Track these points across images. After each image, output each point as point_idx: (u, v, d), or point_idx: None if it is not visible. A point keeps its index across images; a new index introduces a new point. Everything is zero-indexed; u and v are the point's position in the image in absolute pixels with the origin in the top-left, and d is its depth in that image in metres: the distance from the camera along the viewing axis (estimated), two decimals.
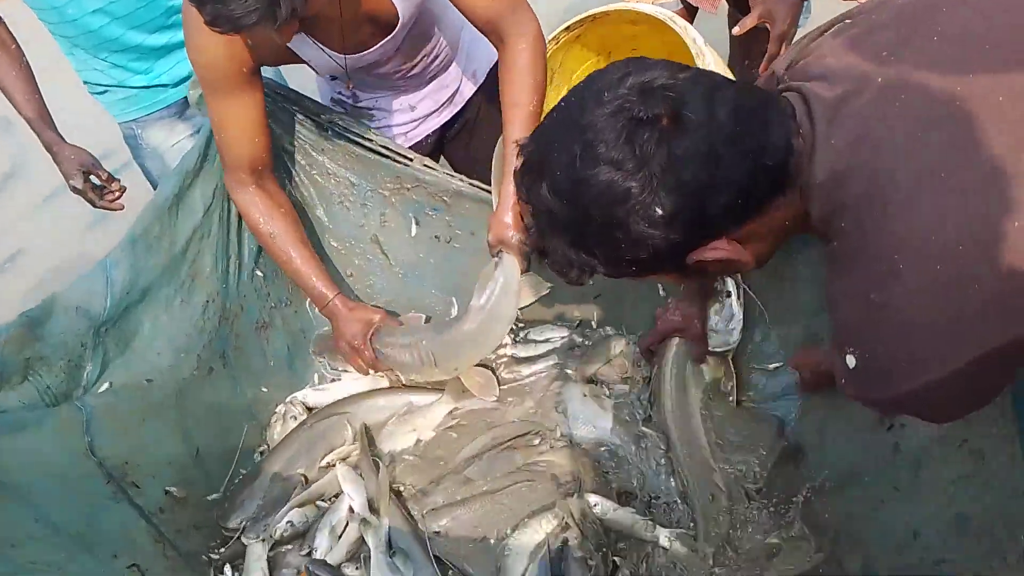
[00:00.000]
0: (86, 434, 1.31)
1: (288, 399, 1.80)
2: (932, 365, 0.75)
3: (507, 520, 1.45)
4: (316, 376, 1.86)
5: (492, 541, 1.43)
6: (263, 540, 1.46)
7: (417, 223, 1.78)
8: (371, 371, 1.70)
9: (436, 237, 1.79)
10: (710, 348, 1.55)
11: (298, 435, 1.67)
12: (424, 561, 1.39)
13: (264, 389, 1.78)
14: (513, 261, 1.51)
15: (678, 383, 1.55)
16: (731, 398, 1.56)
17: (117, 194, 2.02)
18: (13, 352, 1.23)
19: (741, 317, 1.54)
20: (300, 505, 1.52)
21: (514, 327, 1.76)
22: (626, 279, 0.96)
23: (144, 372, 1.47)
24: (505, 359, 1.79)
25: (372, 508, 1.49)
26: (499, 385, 1.71)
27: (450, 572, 1.40)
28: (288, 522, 1.48)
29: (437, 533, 1.46)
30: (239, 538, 1.48)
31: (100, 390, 1.38)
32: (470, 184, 1.67)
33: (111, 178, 2.00)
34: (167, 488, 1.43)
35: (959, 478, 1.09)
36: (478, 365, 1.71)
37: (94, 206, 2.03)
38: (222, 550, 1.48)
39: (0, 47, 1.86)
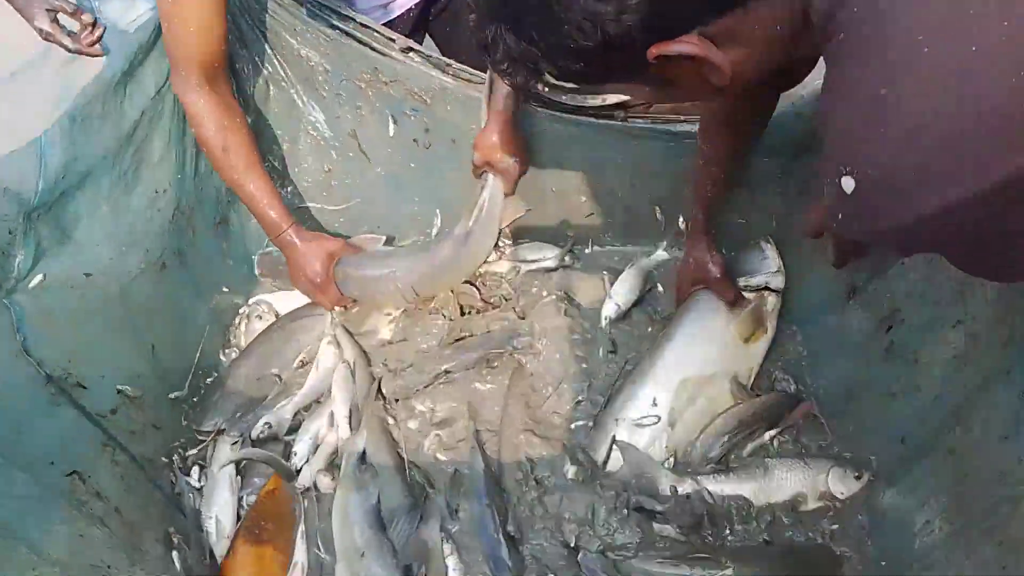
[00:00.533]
0: (18, 332, 1.18)
1: (253, 299, 1.71)
2: (958, 176, 0.56)
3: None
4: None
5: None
6: (234, 442, 1.41)
7: (395, 122, 1.61)
8: (336, 308, 1.62)
9: (415, 141, 1.63)
10: (750, 285, 1.47)
11: (270, 335, 1.61)
12: (395, 478, 1.34)
13: (225, 289, 1.67)
14: (498, 184, 1.51)
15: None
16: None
17: (94, 34, 1.64)
18: None
19: (778, 257, 1.48)
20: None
21: (499, 244, 1.67)
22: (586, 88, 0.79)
23: (82, 266, 1.33)
24: (492, 274, 1.69)
25: (353, 417, 1.44)
26: (481, 299, 1.63)
27: (427, 493, 1.34)
28: (266, 423, 1.44)
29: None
30: (215, 439, 1.43)
31: (32, 284, 1.24)
32: (454, 76, 1.49)
33: (79, 10, 1.64)
34: (119, 387, 1.33)
35: (953, 357, 1.09)
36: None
37: (68, 51, 1.70)
38: (192, 451, 1.43)
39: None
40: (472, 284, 1.63)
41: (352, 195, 1.78)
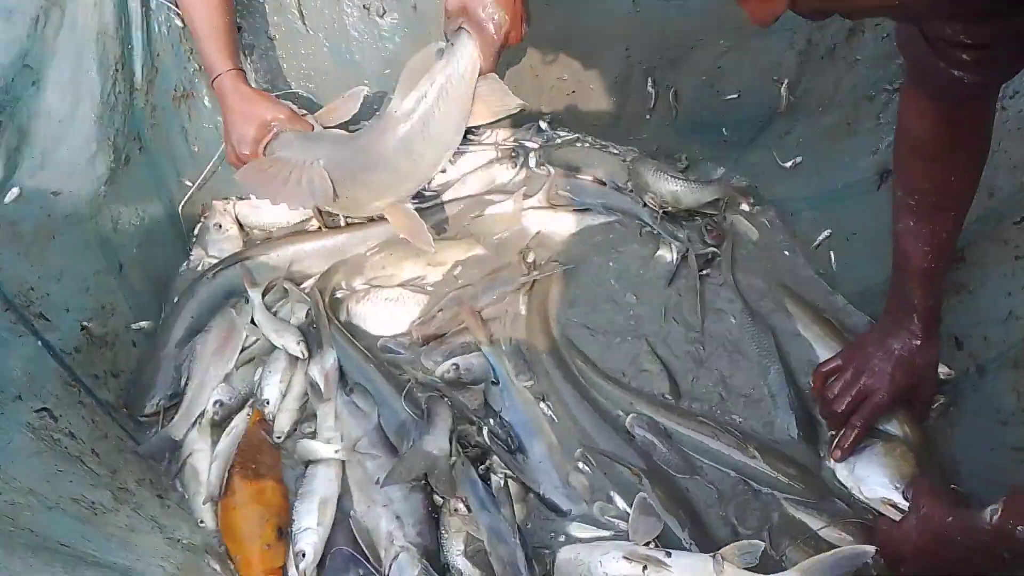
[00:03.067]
0: None
1: (217, 204, 1.53)
2: None
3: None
4: None
5: None
6: (197, 426, 1.27)
7: None
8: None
9: (365, 8, 1.41)
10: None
11: (197, 290, 1.41)
12: (385, 388, 1.25)
13: (188, 183, 1.51)
14: (472, 48, 1.09)
15: None
16: None
17: None
18: None
19: None
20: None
21: (467, 138, 1.39)
22: None
23: (51, 180, 1.21)
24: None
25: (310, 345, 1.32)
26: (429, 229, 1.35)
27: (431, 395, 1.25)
28: (217, 402, 1.29)
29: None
30: (163, 426, 1.27)
31: (7, 200, 1.13)
32: None
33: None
34: (83, 323, 1.22)
35: None
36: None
37: None
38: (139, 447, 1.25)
39: None
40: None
41: (300, 75, 1.55)
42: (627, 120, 1.57)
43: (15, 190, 1.15)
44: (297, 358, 1.31)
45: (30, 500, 0.94)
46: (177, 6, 1.34)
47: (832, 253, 1.45)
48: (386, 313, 1.37)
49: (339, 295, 1.43)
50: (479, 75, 1.10)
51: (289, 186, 1.21)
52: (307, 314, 1.38)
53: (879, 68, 1.30)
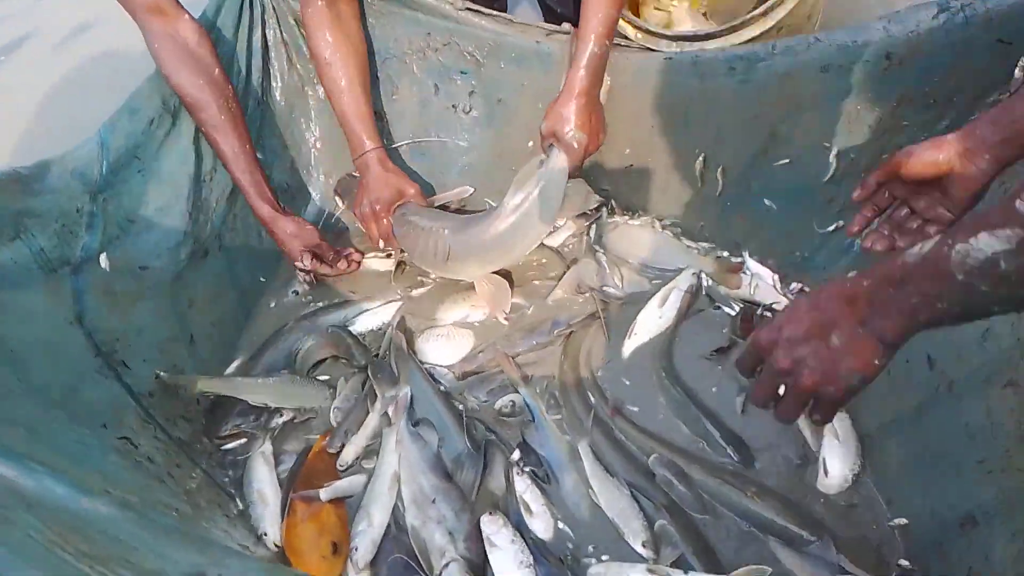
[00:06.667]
0: (76, 303, 1.24)
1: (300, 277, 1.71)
2: None
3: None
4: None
5: None
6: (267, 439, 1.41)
7: (437, 90, 1.67)
8: (380, 243, 1.58)
9: (452, 107, 1.68)
10: None
11: (276, 338, 1.60)
12: (451, 427, 1.37)
13: (262, 279, 1.72)
14: (563, 161, 1.38)
15: None
16: None
17: (351, 265, 1.69)
18: (3, 201, 1.14)
19: None
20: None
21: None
22: None
23: (141, 253, 1.40)
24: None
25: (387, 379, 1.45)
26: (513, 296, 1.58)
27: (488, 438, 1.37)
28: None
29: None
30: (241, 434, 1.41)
31: (101, 264, 1.31)
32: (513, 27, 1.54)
33: (337, 255, 1.68)
34: (158, 372, 1.36)
35: None
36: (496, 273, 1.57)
37: (324, 276, 1.71)
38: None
39: (210, 80, 1.47)
40: (504, 278, 1.56)
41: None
42: (673, 191, 1.66)
43: (105, 258, 1.31)
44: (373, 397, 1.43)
45: (135, 499, 1.05)
46: None
47: None
48: (441, 346, 1.53)
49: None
50: (567, 178, 1.40)
51: (419, 244, 1.49)
52: (385, 351, 1.53)
53: (925, 132, 1.26)
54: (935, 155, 0.95)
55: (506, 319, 1.56)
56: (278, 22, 1.70)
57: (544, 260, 1.68)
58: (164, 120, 1.46)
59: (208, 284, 1.57)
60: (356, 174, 1.62)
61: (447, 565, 1.15)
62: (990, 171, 0.93)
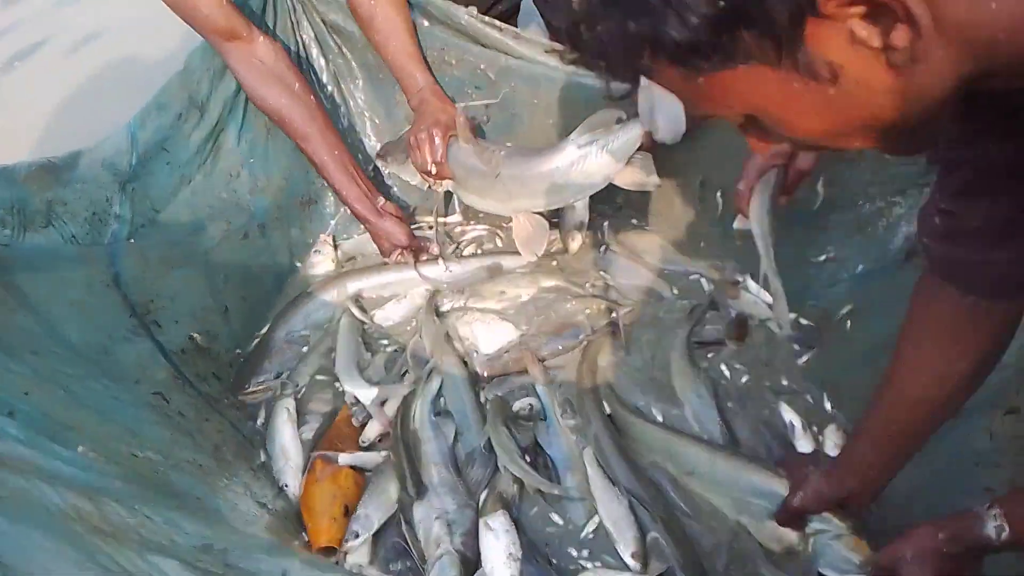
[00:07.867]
0: (112, 266, 1.33)
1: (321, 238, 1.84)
2: None
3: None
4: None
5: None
6: (291, 395, 1.49)
7: (453, 101, 1.71)
8: (428, 170, 1.59)
9: (472, 117, 1.72)
10: None
11: (296, 302, 1.70)
12: (472, 422, 1.41)
13: (298, 264, 1.82)
14: (638, 129, 1.38)
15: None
16: None
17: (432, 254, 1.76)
18: (35, 190, 1.23)
19: None
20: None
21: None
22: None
23: (169, 236, 1.48)
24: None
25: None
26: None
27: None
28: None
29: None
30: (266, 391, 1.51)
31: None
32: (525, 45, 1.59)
33: (427, 244, 1.77)
34: (191, 334, 1.45)
35: None
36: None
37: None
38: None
39: (292, 95, 1.58)
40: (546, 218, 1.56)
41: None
42: (676, 212, 1.70)
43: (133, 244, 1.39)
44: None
45: (159, 458, 1.12)
46: None
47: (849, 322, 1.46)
48: (480, 332, 1.59)
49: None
50: (639, 148, 1.41)
51: (470, 165, 1.53)
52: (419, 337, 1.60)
53: (911, 164, 1.28)
54: None
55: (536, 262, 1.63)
56: (310, 24, 1.78)
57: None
58: (192, 115, 1.55)
59: (246, 262, 1.67)
60: (398, 138, 1.71)
61: (440, 557, 1.18)
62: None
